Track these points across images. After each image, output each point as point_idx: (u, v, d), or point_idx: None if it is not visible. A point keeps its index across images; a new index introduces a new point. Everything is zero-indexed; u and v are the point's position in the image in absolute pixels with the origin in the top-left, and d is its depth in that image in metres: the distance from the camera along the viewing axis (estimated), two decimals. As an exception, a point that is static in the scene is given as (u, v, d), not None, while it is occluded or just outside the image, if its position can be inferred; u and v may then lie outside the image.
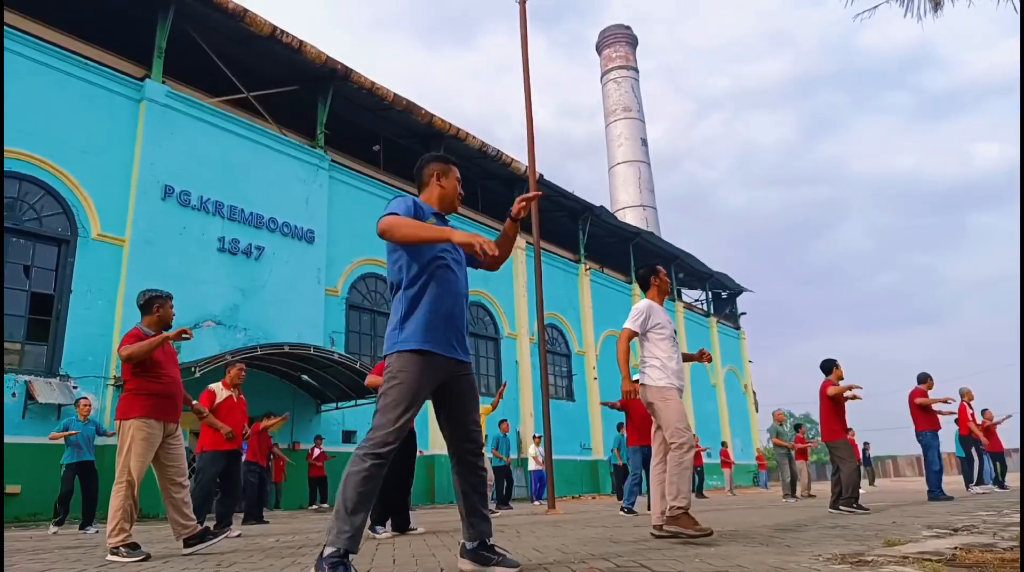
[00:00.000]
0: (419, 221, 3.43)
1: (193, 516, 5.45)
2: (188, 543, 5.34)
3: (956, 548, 3.85)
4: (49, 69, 15.00)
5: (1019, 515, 6.39)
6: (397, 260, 3.52)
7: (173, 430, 5.42)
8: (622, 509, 10.11)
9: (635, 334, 5.59)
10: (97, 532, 9.33)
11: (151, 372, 5.31)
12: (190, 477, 5.97)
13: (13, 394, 13.23)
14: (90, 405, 10.28)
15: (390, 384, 3.33)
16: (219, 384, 7.97)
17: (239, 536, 7.17)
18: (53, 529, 9.67)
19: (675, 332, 5.71)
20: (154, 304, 5.54)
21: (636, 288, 33.72)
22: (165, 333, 5.32)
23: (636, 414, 10.55)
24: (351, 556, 3.07)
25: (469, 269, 3.78)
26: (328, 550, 3.02)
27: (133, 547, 4.94)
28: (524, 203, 3.57)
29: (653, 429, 5.63)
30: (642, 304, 5.72)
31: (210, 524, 6.99)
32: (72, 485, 9.89)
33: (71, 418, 10.10)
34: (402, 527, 6.99)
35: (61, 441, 9.92)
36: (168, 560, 4.91)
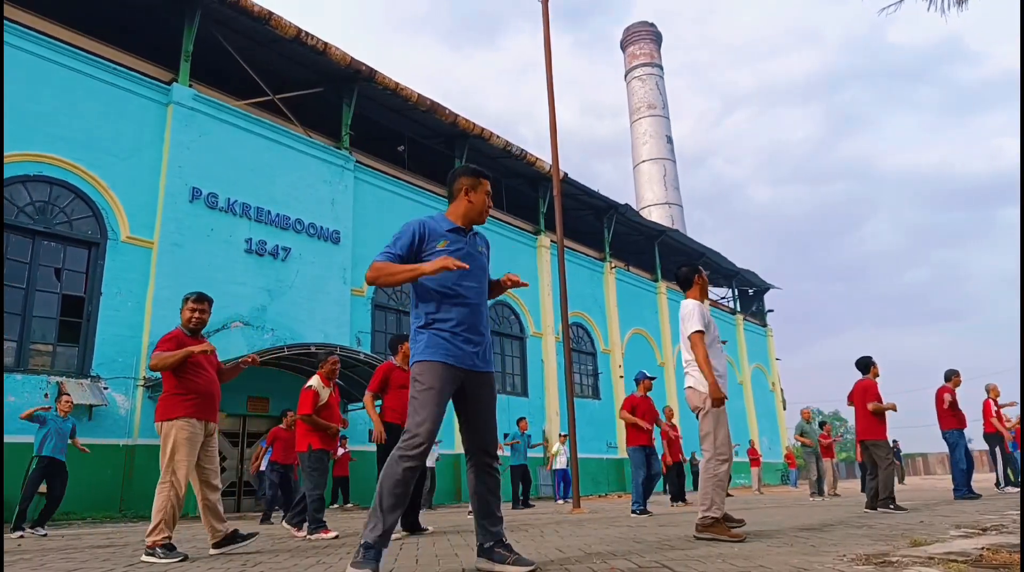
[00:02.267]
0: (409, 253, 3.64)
1: (225, 519, 5.44)
2: (218, 545, 5.36)
3: (983, 549, 3.80)
4: (78, 74, 15.23)
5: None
6: None
7: (212, 430, 5.43)
8: (632, 512, 9.93)
9: (703, 332, 5.41)
10: (46, 535, 9.06)
11: (190, 372, 5.31)
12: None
13: (45, 395, 13.45)
14: (71, 403, 10.17)
15: (415, 391, 3.52)
16: (317, 380, 7.47)
17: (336, 537, 6.92)
18: (18, 534, 9.09)
19: (717, 338, 5.65)
20: (181, 304, 5.61)
21: (662, 286, 33.63)
22: (189, 349, 5.25)
23: (640, 412, 10.47)
24: (384, 551, 3.33)
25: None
26: (364, 542, 3.28)
27: (169, 548, 4.94)
28: (512, 282, 3.88)
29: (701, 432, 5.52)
30: (691, 304, 5.60)
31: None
32: (37, 487, 9.57)
33: (51, 414, 9.96)
34: (412, 527, 7.00)
35: (34, 414, 9.69)
36: (195, 560, 4.97)
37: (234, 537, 5.41)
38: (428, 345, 3.55)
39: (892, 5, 6.60)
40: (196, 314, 5.51)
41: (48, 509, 9.75)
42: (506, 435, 17.97)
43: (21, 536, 8.93)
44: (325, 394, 7.45)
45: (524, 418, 17.35)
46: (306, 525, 7.17)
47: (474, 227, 3.90)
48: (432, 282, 3.59)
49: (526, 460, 16.07)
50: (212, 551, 5.32)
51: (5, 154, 13.54)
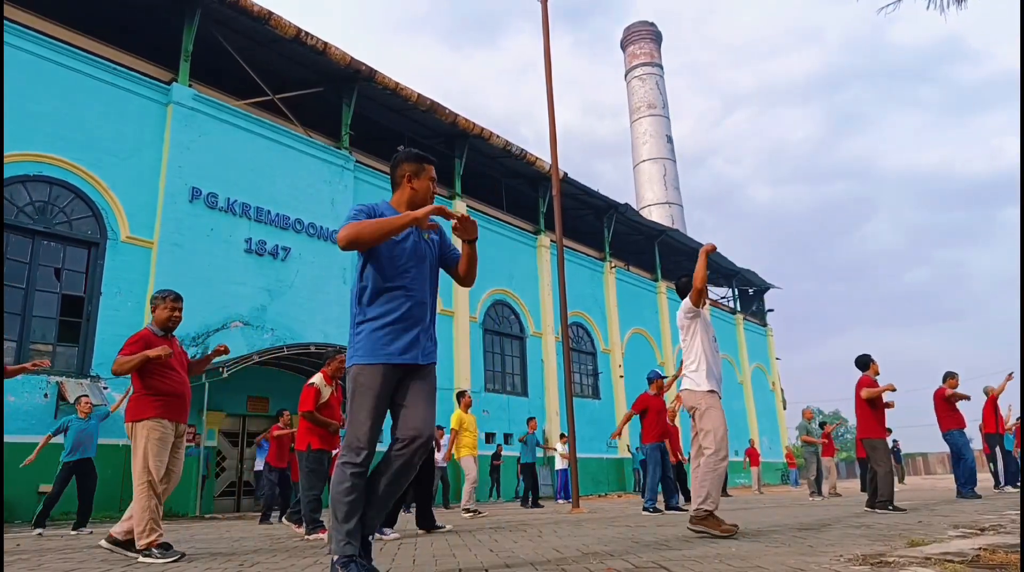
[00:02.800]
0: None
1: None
2: (114, 542, 5.22)
3: (980, 549, 3.80)
4: (78, 74, 15.23)
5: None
6: (359, 265, 3.50)
7: (182, 431, 5.35)
8: (644, 509, 10.00)
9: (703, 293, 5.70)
10: (91, 533, 9.08)
11: (160, 373, 5.23)
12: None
13: (45, 395, 13.46)
14: (91, 403, 10.19)
15: (352, 394, 3.38)
16: (319, 378, 7.52)
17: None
18: (38, 531, 9.22)
19: (715, 338, 5.92)
20: (154, 303, 5.51)
21: (662, 286, 33.62)
22: (144, 353, 5.14)
23: (653, 411, 10.50)
24: (358, 555, 3.21)
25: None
26: (335, 557, 3.20)
27: (165, 547, 4.89)
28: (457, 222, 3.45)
29: (693, 432, 5.71)
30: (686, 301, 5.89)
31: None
32: (64, 487, 9.63)
33: (71, 417, 10.00)
34: (428, 526, 7.02)
35: (57, 432, 9.82)
36: (193, 560, 4.97)
37: (129, 545, 5.15)
38: (366, 346, 3.37)
39: (891, 4, 6.60)
40: (176, 313, 5.47)
41: (83, 509, 9.69)
42: (508, 436, 18.01)
43: (40, 534, 8.97)
44: (327, 392, 7.45)
45: (534, 418, 17.38)
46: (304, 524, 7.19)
47: None
48: (376, 276, 3.43)
49: (535, 459, 16.11)
50: (102, 542, 5.24)
51: (4, 154, 13.54)
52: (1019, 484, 13.20)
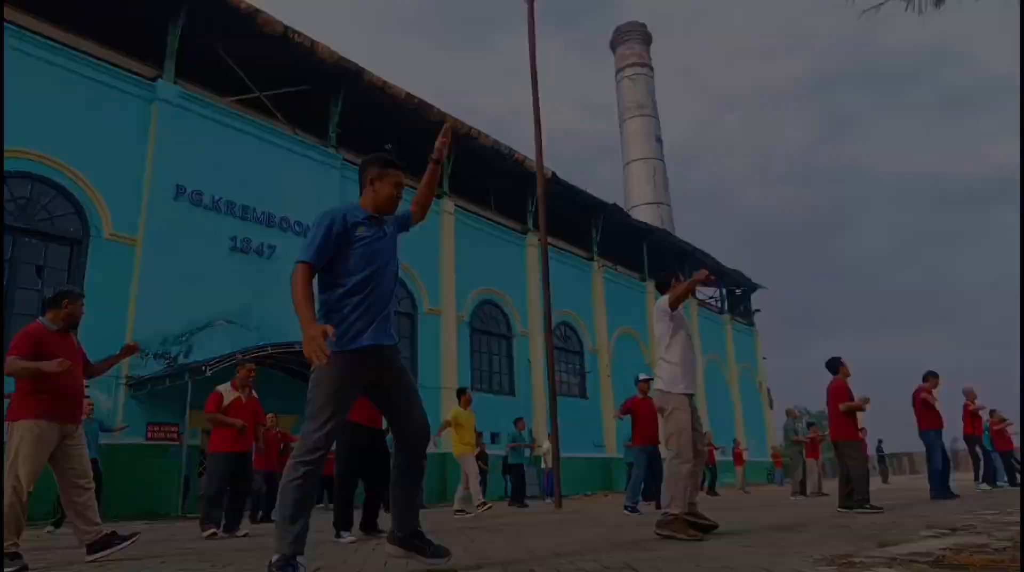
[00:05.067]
0: (308, 278, 3.50)
1: (98, 520, 5.08)
2: (91, 549, 4.96)
3: (946, 549, 3.82)
4: (62, 70, 15.14)
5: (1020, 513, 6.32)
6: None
7: (71, 431, 5.04)
8: (625, 508, 10.05)
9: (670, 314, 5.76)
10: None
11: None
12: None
13: (27, 393, 13.35)
14: (91, 404, 10.18)
15: (313, 387, 3.33)
16: (227, 385, 7.86)
17: (245, 536, 7.16)
18: (49, 528, 9.44)
19: (689, 335, 5.91)
20: (64, 299, 5.16)
21: (650, 286, 33.65)
22: (45, 364, 4.78)
23: (640, 413, 10.52)
24: (299, 557, 3.15)
25: None
26: (275, 556, 3.12)
27: (13, 557, 4.58)
28: (444, 141, 3.90)
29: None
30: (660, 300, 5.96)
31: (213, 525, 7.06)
32: None
33: None
34: (368, 528, 6.89)
35: None
36: (164, 560, 4.94)
37: (110, 541, 5.04)
38: (335, 329, 3.35)
39: (871, 7, 6.63)
40: (82, 311, 5.25)
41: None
42: (495, 435, 17.93)
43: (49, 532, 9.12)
44: (230, 397, 7.71)
45: (521, 418, 17.39)
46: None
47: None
48: (343, 249, 3.50)
49: (523, 459, 16.17)
50: (88, 558, 4.93)
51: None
52: (1019, 483, 13.35)
